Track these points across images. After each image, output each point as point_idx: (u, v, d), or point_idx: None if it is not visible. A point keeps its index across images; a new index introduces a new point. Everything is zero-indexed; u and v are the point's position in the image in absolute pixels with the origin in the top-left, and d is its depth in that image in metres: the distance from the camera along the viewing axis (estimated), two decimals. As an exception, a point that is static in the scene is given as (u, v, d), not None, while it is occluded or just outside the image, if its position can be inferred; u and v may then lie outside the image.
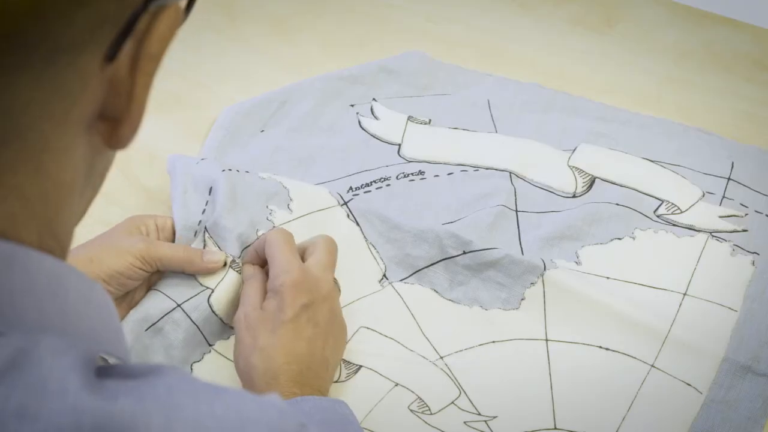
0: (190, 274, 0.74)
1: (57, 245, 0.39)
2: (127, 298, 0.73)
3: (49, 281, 0.37)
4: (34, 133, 0.35)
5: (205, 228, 0.76)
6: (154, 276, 0.75)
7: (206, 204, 0.78)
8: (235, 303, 0.75)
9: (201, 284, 0.74)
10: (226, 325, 0.75)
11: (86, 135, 0.38)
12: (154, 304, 0.73)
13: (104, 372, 0.37)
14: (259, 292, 0.72)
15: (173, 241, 0.76)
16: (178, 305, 0.73)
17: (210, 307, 0.74)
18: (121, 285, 0.71)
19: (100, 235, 0.73)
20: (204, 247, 0.76)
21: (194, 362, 0.74)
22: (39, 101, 0.34)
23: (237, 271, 0.75)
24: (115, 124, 0.38)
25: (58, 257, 0.39)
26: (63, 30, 0.33)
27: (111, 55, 0.35)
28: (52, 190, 0.38)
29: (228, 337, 0.75)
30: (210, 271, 0.74)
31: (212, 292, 0.74)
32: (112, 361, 0.44)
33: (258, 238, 0.76)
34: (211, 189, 0.78)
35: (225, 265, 0.75)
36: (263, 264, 0.75)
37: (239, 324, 0.70)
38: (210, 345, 0.74)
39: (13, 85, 0.33)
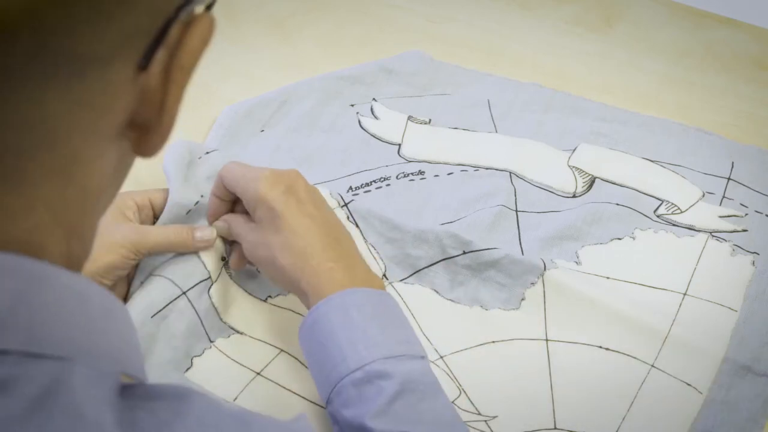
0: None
1: (81, 245, 0.39)
2: (116, 285, 0.73)
3: (76, 300, 0.37)
4: (63, 145, 0.35)
5: None
6: (156, 260, 0.74)
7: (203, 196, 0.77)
8: (228, 300, 0.76)
9: (206, 268, 0.74)
10: (224, 324, 0.75)
11: (116, 142, 0.37)
12: (159, 290, 0.72)
13: (128, 393, 0.37)
14: (247, 223, 0.72)
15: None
16: (184, 292, 0.73)
17: (210, 298, 0.74)
18: (116, 277, 0.72)
19: None
20: None
21: (195, 356, 0.74)
22: (67, 113, 0.34)
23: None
24: (145, 132, 0.38)
25: (82, 258, 0.39)
26: (92, 43, 0.32)
27: (143, 65, 0.35)
28: (79, 197, 0.37)
29: (228, 336, 0.75)
30: (200, 250, 0.74)
31: (213, 283, 0.74)
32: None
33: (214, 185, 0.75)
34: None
35: (221, 259, 0.76)
36: (232, 209, 0.75)
37: (251, 253, 0.71)
38: (211, 341, 0.74)
39: (39, 99, 0.33)
